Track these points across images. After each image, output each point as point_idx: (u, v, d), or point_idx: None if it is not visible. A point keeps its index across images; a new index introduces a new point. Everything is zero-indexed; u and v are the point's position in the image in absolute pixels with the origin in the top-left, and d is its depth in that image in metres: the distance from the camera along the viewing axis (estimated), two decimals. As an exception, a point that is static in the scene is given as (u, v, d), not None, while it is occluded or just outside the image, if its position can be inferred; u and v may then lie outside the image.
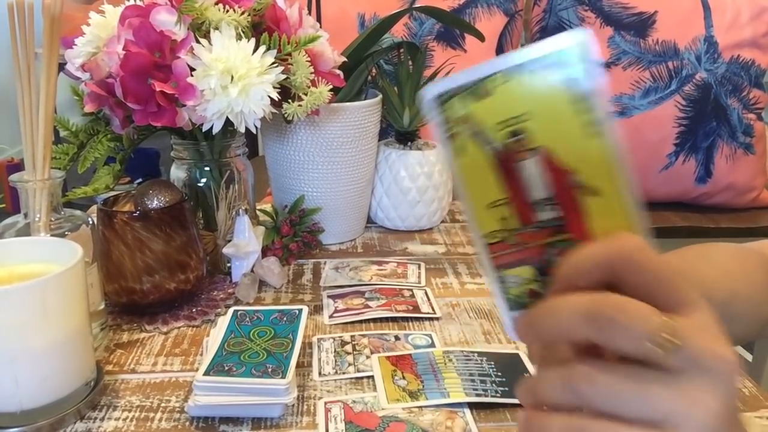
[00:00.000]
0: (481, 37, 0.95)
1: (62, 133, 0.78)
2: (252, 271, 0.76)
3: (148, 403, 0.56)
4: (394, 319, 0.70)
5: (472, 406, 0.55)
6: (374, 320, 0.69)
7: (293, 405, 0.55)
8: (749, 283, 0.57)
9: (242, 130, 0.71)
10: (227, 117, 0.68)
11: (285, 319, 0.63)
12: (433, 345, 0.65)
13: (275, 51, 0.69)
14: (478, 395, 0.56)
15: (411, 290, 0.76)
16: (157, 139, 0.85)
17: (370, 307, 0.71)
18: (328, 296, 0.75)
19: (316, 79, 0.73)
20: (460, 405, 0.55)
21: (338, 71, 0.79)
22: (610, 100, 1.28)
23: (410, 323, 0.69)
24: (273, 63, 0.68)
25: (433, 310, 0.71)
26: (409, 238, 0.93)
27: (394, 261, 0.84)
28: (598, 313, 0.28)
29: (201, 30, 0.68)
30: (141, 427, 0.53)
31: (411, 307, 0.71)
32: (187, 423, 0.54)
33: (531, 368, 0.60)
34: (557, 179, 0.30)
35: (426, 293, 0.75)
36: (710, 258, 0.59)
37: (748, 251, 0.61)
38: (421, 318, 0.70)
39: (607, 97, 0.29)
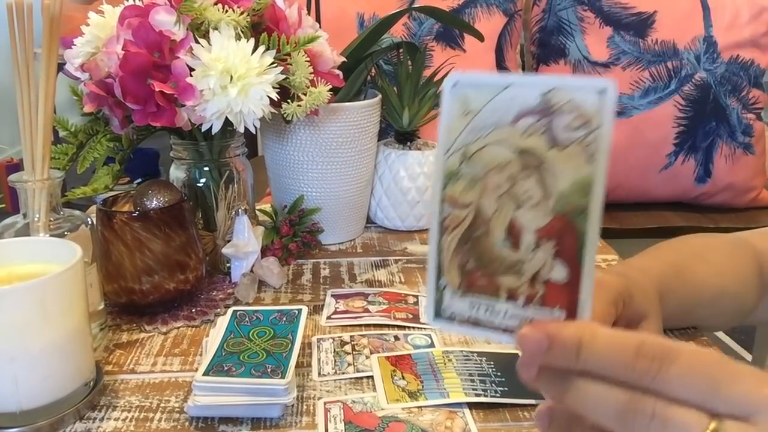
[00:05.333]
0: (480, 37, 0.95)
1: (61, 133, 0.78)
2: (251, 271, 0.76)
3: (147, 404, 0.56)
4: (393, 319, 0.70)
5: (471, 406, 0.55)
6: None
7: (293, 405, 0.55)
8: (737, 281, 0.62)
9: (241, 130, 0.71)
10: (226, 117, 0.68)
11: (284, 319, 0.63)
12: (432, 345, 0.65)
13: (274, 51, 0.69)
14: (477, 395, 0.56)
15: (416, 297, 0.75)
16: (157, 139, 0.85)
17: (369, 311, 0.71)
18: (332, 295, 0.75)
19: (315, 79, 0.73)
20: (459, 405, 0.55)
21: (337, 71, 0.79)
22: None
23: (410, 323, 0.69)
24: (272, 63, 0.68)
25: None
26: (408, 238, 0.93)
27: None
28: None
29: (200, 30, 0.68)
30: (140, 427, 0.53)
31: (411, 316, 0.70)
32: (187, 423, 0.54)
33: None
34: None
35: None
36: (705, 258, 0.62)
37: (742, 247, 0.64)
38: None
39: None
